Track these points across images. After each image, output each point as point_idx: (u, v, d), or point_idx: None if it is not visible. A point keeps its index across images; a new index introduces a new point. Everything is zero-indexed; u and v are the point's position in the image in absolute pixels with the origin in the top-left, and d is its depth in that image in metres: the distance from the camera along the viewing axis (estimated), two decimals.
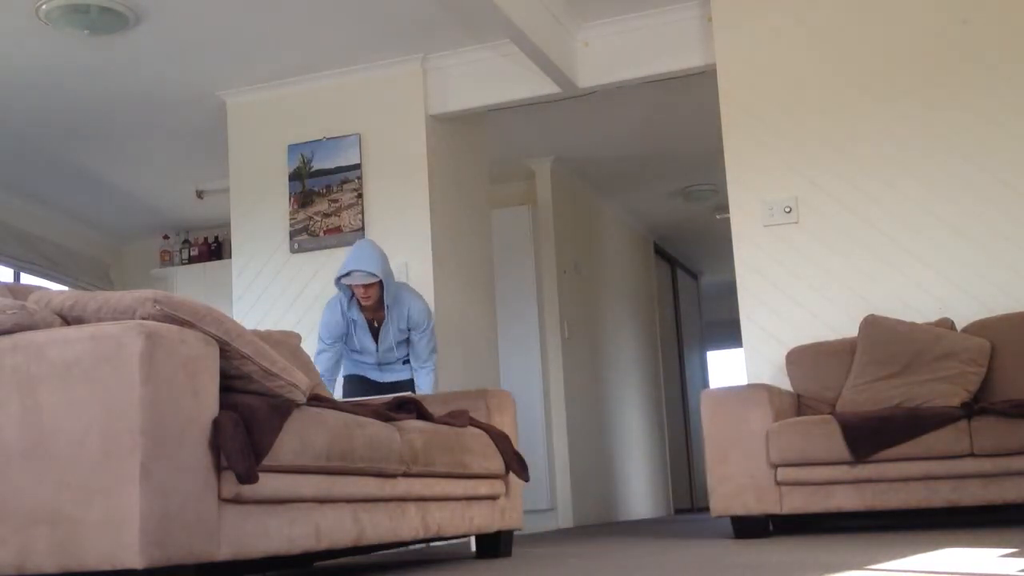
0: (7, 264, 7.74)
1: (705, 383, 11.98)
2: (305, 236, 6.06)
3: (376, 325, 5.13)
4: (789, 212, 5.05)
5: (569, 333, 7.72)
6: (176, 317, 2.43)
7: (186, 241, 9.02)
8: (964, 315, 4.72)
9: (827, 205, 5.01)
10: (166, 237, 9.11)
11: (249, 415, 2.51)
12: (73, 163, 7.29)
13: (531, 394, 7.39)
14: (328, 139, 6.10)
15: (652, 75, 5.71)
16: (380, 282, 4.96)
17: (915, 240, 4.86)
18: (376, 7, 5.38)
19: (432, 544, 4.36)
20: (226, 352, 2.54)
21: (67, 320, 2.55)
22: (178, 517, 2.32)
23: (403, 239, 5.89)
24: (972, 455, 3.99)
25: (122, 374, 2.30)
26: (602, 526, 7.11)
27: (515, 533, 5.90)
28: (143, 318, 2.41)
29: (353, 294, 5.07)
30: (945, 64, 4.91)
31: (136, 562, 2.22)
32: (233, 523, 2.49)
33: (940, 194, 4.85)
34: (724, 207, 6.67)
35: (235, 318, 6.19)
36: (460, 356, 5.97)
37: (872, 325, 4.61)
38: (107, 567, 2.25)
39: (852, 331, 4.85)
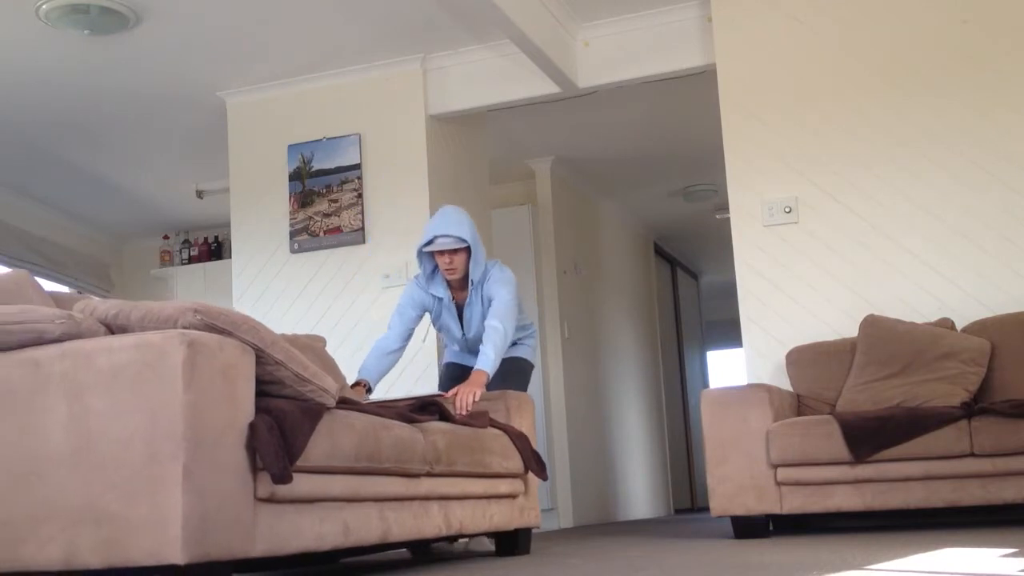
0: (7, 264, 7.73)
1: (705, 383, 11.98)
2: (305, 236, 6.06)
3: (460, 309, 4.51)
4: (789, 212, 5.05)
5: (569, 333, 7.72)
6: (215, 326, 2.56)
7: (186, 241, 9.02)
8: (964, 315, 4.72)
9: (827, 205, 5.01)
10: (166, 237, 9.11)
11: (283, 419, 2.64)
12: (73, 163, 7.29)
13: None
14: (328, 139, 6.10)
15: (652, 75, 5.71)
16: (467, 249, 4.32)
17: (915, 240, 4.86)
18: (376, 7, 5.38)
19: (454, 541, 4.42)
20: (261, 359, 2.66)
21: (111, 329, 2.68)
22: (217, 516, 2.43)
23: (403, 239, 5.89)
24: (972, 455, 3.99)
25: (165, 381, 2.41)
26: (602, 526, 7.11)
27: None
28: (184, 327, 2.54)
29: (435, 269, 4.43)
30: (945, 64, 4.91)
31: (178, 558, 2.33)
32: (267, 521, 2.61)
33: (940, 194, 4.85)
34: (724, 207, 6.68)
35: None
36: None
37: (872, 325, 4.61)
38: (151, 563, 2.36)
39: (852, 331, 4.85)
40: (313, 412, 2.74)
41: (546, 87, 5.79)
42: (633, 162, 8.01)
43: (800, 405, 4.70)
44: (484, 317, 4.39)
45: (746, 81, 5.21)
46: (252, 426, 2.57)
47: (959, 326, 4.67)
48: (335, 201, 6.03)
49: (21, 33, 5.35)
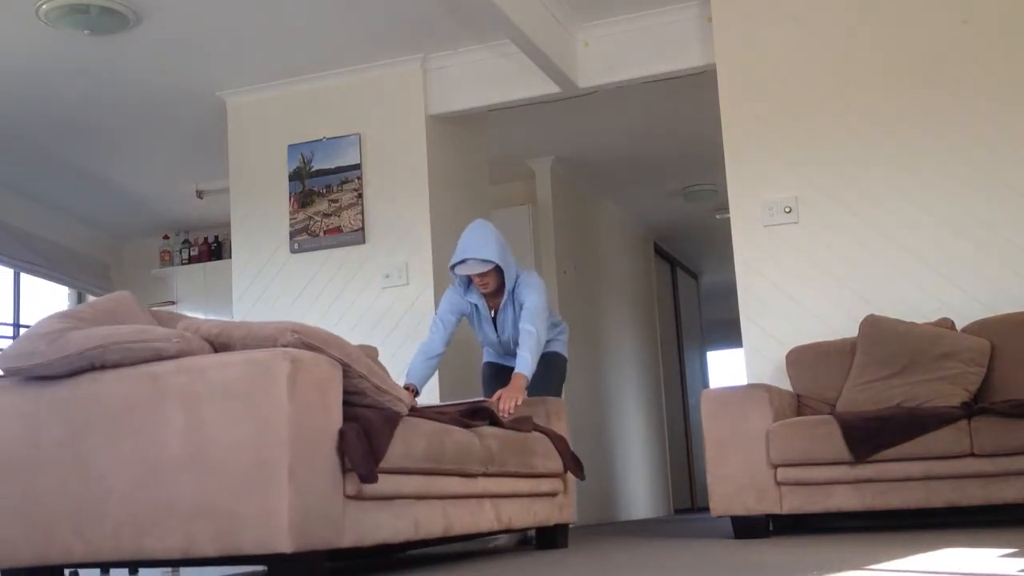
0: (7, 264, 7.74)
1: (705, 383, 11.98)
2: (305, 236, 6.06)
3: (494, 314, 4.78)
4: (789, 212, 5.05)
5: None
6: (310, 344, 2.89)
7: (186, 241, 9.02)
8: (964, 315, 4.72)
9: (827, 205, 5.01)
10: (166, 237, 9.11)
11: (367, 425, 2.96)
12: (73, 163, 7.29)
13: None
14: (328, 139, 6.10)
15: (652, 75, 5.71)
16: (497, 267, 4.58)
17: (915, 240, 4.86)
18: (376, 7, 5.38)
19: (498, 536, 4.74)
20: (347, 372, 2.99)
21: (214, 346, 3.00)
22: (315, 511, 2.76)
23: (403, 239, 5.89)
24: (972, 455, 3.99)
25: (272, 393, 2.74)
26: (602, 526, 7.11)
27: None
28: (283, 346, 2.87)
29: (470, 280, 4.73)
30: (945, 64, 4.91)
31: (286, 547, 2.67)
32: (354, 516, 2.94)
33: (940, 194, 4.85)
34: (724, 207, 6.68)
35: (235, 318, 6.19)
36: (460, 357, 5.97)
37: (872, 325, 4.61)
38: (261, 552, 2.69)
39: (852, 331, 4.85)
40: (392, 419, 3.07)
41: (546, 87, 5.79)
42: (633, 162, 8.01)
43: (800, 405, 4.70)
44: (516, 321, 4.70)
45: (746, 81, 5.21)
46: (342, 432, 2.90)
47: (959, 326, 4.67)
48: (335, 201, 6.03)
49: (21, 33, 5.35)
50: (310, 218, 6.06)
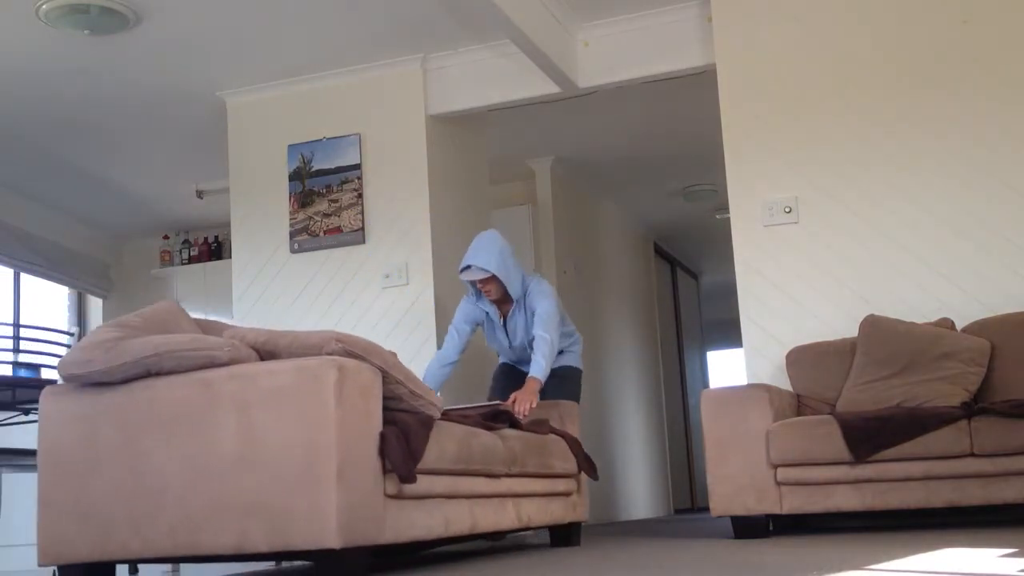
0: (7, 264, 7.73)
1: (705, 383, 11.98)
2: (305, 236, 6.06)
3: (504, 321, 5.00)
4: (789, 212, 5.05)
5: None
6: (353, 352, 3.08)
7: (186, 241, 9.02)
8: (964, 315, 4.72)
9: (827, 205, 5.01)
10: (166, 237, 9.10)
11: (405, 428, 3.14)
12: (73, 163, 7.29)
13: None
14: (328, 139, 6.10)
15: (652, 75, 5.71)
16: (495, 276, 4.80)
17: (915, 240, 4.86)
18: (376, 7, 5.38)
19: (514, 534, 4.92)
20: (385, 378, 3.18)
21: (260, 354, 3.17)
22: (360, 509, 2.95)
23: (403, 239, 5.89)
24: (972, 455, 3.99)
25: (320, 398, 2.92)
26: (602, 526, 7.11)
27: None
28: (328, 354, 3.05)
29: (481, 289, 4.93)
30: (945, 64, 4.91)
31: (335, 543, 2.85)
32: (393, 514, 3.12)
33: (940, 194, 4.85)
34: (724, 207, 6.68)
35: (235, 318, 6.20)
36: (460, 357, 5.96)
37: (872, 325, 4.61)
38: (311, 547, 2.87)
39: (852, 331, 4.85)
40: (427, 423, 3.25)
41: (546, 87, 5.79)
42: (633, 162, 8.01)
43: (800, 405, 4.70)
44: (527, 328, 4.92)
45: (746, 81, 5.21)
46: (383, 435, 3.08)
47: (959, 326, 4.67)
48: (335, 201, 6.03)
49: (21, 33, 5.35)
50: (310, 218, 6.06)
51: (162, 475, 3.08)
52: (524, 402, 4.39)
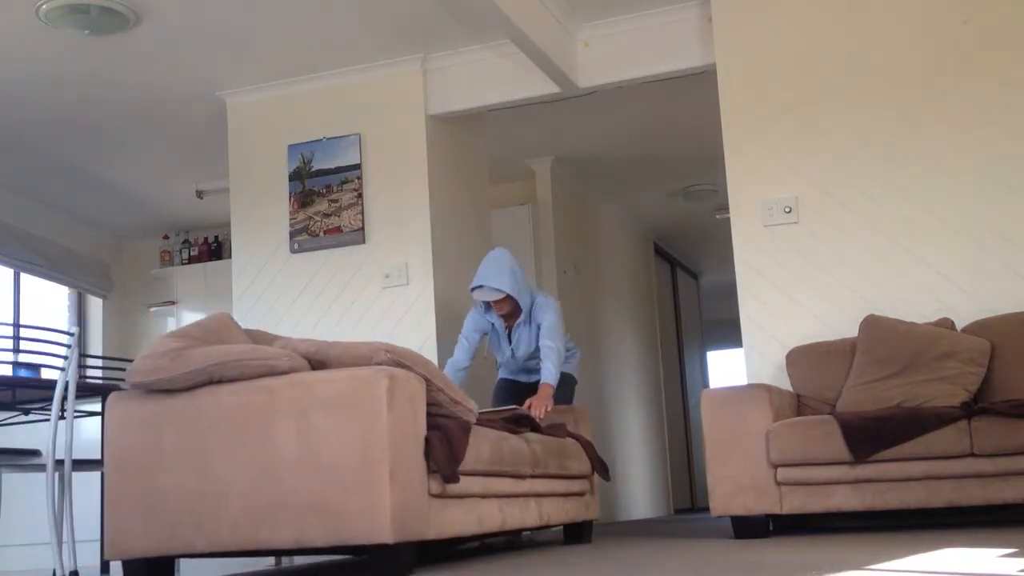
0: (7, 264, 7.73)
1: (705, 383, 11.98)
2: (305, 236, 6.06)
3: (509, 333, 5.30)
4: (789, 212, 5.05)
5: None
6: (400, 362, 3.33)
7: (186, 241, 9.02)
8: (964, 315, 4.72)
9: (827, 205, 5.01)
10: (166, 237, 9.10)
11: (448, 433, 3.39)
12: (73, 163, 7.29)
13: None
14: (328, 139, 6.10)
15: (652, 75, 5.71)
16: (507, 298, 5.10)
17: (915, 240, 4.86)
18: (376, 7, 5.38)
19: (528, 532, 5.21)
20: (428, 386, 3.42)
21: (312, 363, 3.40)
22: (409, 507, 3.19)
23: (403, 239, 5.89)
24: (972, 455, 3.99)
25: (373, 404, 3.17)
26: (602, 526, 7.11)
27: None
28: (377, 363, 3.30)
29: (489, 302, 5.22)
30: (945, 64, 4.91)
31: (389, 538, 3.09)
32: (436, 512, 3.37)
33: (940, 194, 4.85)
34: (724, 207, 6.68)
35: (235, 318, 6.19)
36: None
37: (872, 325, 4.61)
38: (366, 542, 3.11)
39: (852, 331, 4.85)
40: (466, 427, 3.50)
41: (546, 87, 5.79)
42: (633, 162, 8.01)
43: (800, 405, 4.70)
44: (529, 340, 5.23)
45: (746, 81, 5.21)
46: (427, 439, 3.33)
47: (959, 326, 4.67)
48: (335, 201, 6.03)
49: (21, 33, 5.35)
50: (310, 218, 6.06)
51: (225, 476, 3.30)
52: (540, 406, 4.70)
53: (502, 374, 5.55)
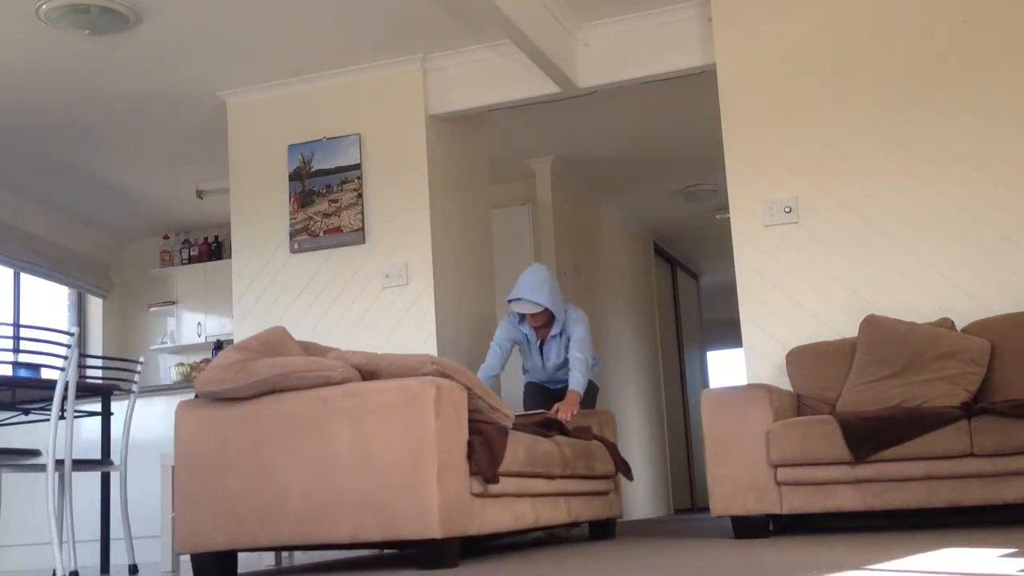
0: (7, 264, 7.73)
1: (705, 383, 11.98)
2: (305, 236, 6.06)
3: (541, 344, 5.58)
4: (789, 212, 5.05)
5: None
6: (444, 372, 3.63)
7: (186, 241, 9.02)
8: (964, 315, 4.72)
9: (827, 205, 5.01)
10: (166, 237, 9.11)
11: (488, 437, 3.69)
12: (73, 163, 7.29)
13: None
14: (328, 139, 6.10)
15: (652, 75, 5.71)
16: (545, 311, 5.40)
17: (915, 240, 4.86)
18: (376, 7, 5.38)
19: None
20: (470, 394, 3.73)
21: (362, 373, 3.69)
22: (455, 505, 3.50)
23: (403, 239, 5.89)
24: (972, 455, 3.99)
25: (421, 412, 3.47)
26: None
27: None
28: (424, 374, 3.59)
29: (523, 314, 5.51)
30: (945, 64, 4.91)
31: (437, 534, 3.40)
32: (478, 510, 3.66)
33: (940, 194, 4.85)
34: (724, 207, 6.68)
35: (235, 318, 6.20)
36: (460, 357, 5.97)
37: (872, 325, 4.61)
38: (417, 537, 3.43)
39: (852, 331, 4.85)
40: (504, 432, 3.79)
41: (546, 87, 5.79)
42: (633, 162, 8.01)
43: (800, 405, 4.70)
44: (559, 352, 5.53)
45: (746, 81, 5.21)
46: (470, 443, 3.63)
47: (959, 326, 4.67)
48: (335, 201, 6.03)
49: (21, 33, 5.35)
50: (310, 218, 6.06)
51: (287, 476, 3.61)
52: (567, 411, 5.03)
53: (529, 378, 5.82)
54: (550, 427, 4.58)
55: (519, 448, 3.93)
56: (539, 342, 5.58)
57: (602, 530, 5.10)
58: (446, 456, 3.48)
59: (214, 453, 3.74)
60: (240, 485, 3.68)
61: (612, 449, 5.03)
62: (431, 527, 3.40)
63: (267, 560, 5.05)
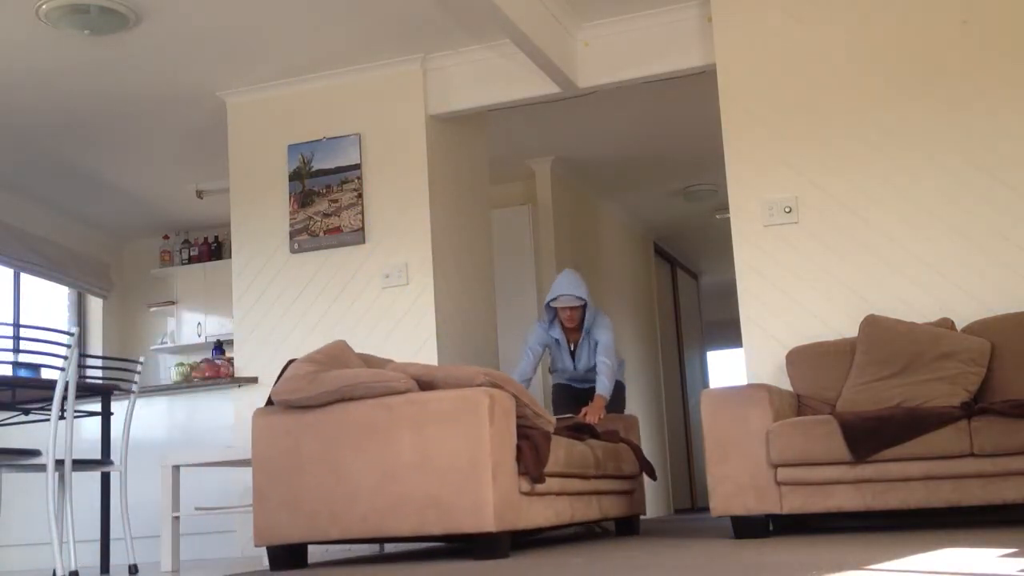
0: (7, 264, 7.73)
1: (705, 383, 11.97)
2: (305, 236, 6.06)
3: (573, 347, 5.87)
4: (789, 212, 5.05)
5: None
6: (495, 383, 4.00)
7: (186, 241, 9.02)
8: (964, 315, 4.72)
9: (827, 205, 5.01)
10: (166, 237, 9.11)
11: (534, 441, 4.06)
12: (73, 163, 7.29)
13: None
14: (328, 139, 6.10)
15: (652, 75, 5.71)
16: (583, 305, 5.71)
17: (915, 240, 4.86)
18: (376, 7, 5.38)
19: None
20: (517, 402, 4.09)
21: (420, 384, 4.08)
22: (507, 503, 3.89)
23: (403, 239, 5.89)
24: (972, 455, 3.98)
25: (477, 419, 3.87)
26: None
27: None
28: (478, 385, 3.97)
29: (555, 317, 5.82)
30: (945, 64, 4.91)
31: (492, 528, 3.79)
32: (526, 507, 4.05)
33: (940, 194, 4.85)
34: (724, 207, 6.68)
35: (235, 318, 6.20)
36: (460, 356, 5.97)
37: (872, 325, 4.61)
38: (474, 531, 3.82)
39: (852, 331, 4.85)
40: (547, 436, 4.16)
41: (546, 87, 5.79)
42: (633, 162, 8.01)
43: (800, 405, 4.70)
44: (589, 356, 5.85)
45: (746, 81, 5.21)
46: (519, 447, 4.02)
47: (959, 326, 4.67)
48: (335, 201, 6.03)
49: (21, 33, 5.35)
50: (310, 218, 6.06)
51: (356, 477, 3.99)
52: (594, 415, 5.40)
53: (558, 379, 6.10)
54: (582, 431, 4.94)
55: (560, 451, 4.31)
56: (570, 345, 5.86)
57: (627, 526, 5.43)
58: (499, 458, 3.86)
59: (289, 456, 4.12)
60: (313, 485, 4.06)
61: (637, 451, 5.38)
62: (487, 522, 3.78)
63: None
